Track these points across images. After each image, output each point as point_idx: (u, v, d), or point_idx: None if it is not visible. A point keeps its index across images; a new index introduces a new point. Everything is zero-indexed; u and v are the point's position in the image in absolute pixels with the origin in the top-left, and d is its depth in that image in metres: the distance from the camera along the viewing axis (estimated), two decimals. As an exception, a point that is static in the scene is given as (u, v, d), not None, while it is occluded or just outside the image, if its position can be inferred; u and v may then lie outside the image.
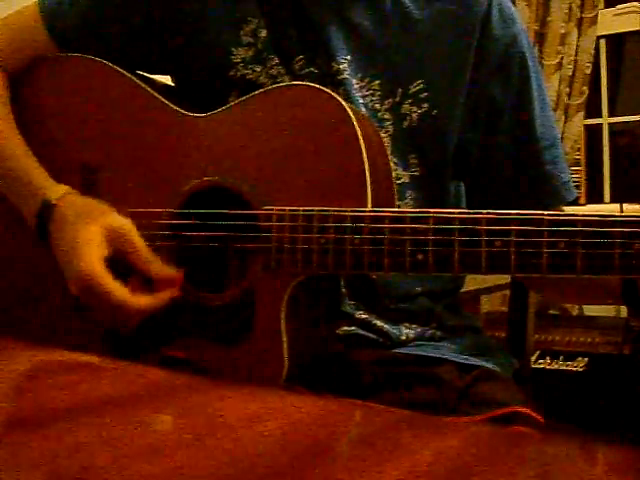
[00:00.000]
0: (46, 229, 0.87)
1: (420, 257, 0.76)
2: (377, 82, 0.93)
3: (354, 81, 0.93)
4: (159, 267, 0.84)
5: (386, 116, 0.93)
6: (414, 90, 0.93)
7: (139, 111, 0.92)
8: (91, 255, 0.81)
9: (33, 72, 0.98)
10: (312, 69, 0.93)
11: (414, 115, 0.93)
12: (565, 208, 0.96)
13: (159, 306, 0.83)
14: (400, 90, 0.93)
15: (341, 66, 0.92)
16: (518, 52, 0.95)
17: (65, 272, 0.84)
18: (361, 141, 0.80)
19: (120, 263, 0.83)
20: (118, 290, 0.81)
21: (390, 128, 0.93)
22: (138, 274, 0.84)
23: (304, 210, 0.80)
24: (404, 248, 0.76)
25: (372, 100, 0.93)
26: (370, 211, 0.78)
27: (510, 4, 0.98)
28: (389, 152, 0.92)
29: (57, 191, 0.88)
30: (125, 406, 0.47)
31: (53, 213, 0.86)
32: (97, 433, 0.41)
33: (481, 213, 0.75)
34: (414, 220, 0.76)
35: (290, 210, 0.80)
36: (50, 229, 0.87)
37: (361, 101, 0.92)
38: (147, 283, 0.84)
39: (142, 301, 0.82)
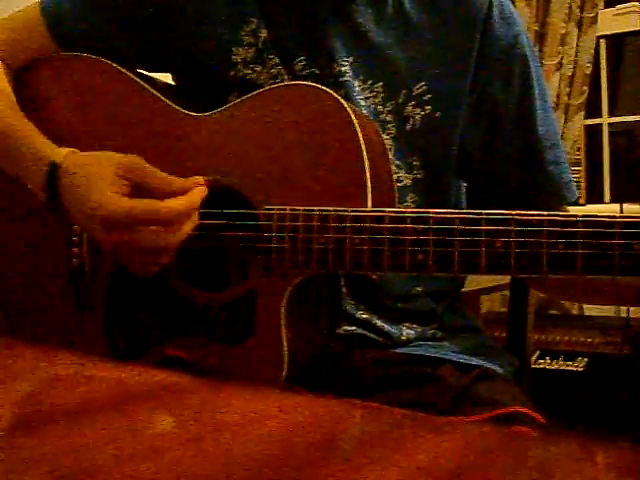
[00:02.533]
0: (56, 190, 0.86)
1: (420, 257, 0.76)
2: (380, 84, 0.93)
3: (356, 83, 0.93)
4: (180, 182, 0.82)
5: (388, 118, 0.93)
6: (417, 92, 0.93)
7: (140, 110, 0.92)
8: (111, 191, 0.80)
9: (34, 72, 0.98)
10: (313, 70, 0.93)
11: (417, 117, 0.93)
12: (566, 208, 0.96)
13: (191, 207, 0.80)
14: (403, 92, 0.93)
15: (343, 68, 0.92)
16: (519, 52, 0.95)
17: (85, 224, 0.83)
18: (362, 141, 0.80)
19: (140, 196, 0.81)
20: (145, 202, 0.79)
21: (393, 130, 0.93)
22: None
23: (304, 210, 0.80)
24: (404, 248, 0.76)
25: (374, 102, 0.93)
26: (370, 211, 0.78)
27: (510, 5, 0.98)
28: (391, 154, 0.92)
29: (61, 152, 0.87)
30: (125, 406, 0.47)
31: (62, 171, 0.85)
32: (97, 433, 0.41)
33: (481, 213, 0.75)
34: (414, 220, 0.76)
35: (290, 210, 0.80)
36: (61, 189, 0.85)
37: (363, 103, 0.92)
38: None
39: (173, 203, 0.79)
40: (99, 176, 0.82)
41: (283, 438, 0.41)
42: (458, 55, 0.94)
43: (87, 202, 0.82)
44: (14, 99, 0.95)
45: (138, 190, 0.81)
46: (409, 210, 0.80)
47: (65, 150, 0.87)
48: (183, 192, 0.81)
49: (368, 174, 0.79)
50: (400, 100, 0.93)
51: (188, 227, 0.80)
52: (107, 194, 0.80)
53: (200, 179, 0.83)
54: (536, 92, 0.96)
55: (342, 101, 0.82)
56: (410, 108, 0.93)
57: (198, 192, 0.82)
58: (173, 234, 0.80)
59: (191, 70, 0.97)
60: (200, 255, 0.87)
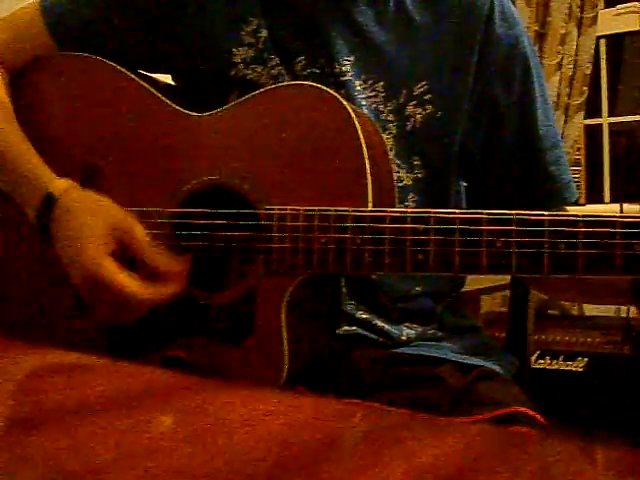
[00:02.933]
0: (48, 224, 0.86)
1: (421, 257, 0.76)
2: (381, 83, 0.93)
3: (357, 82, 0.93)
4: (165, 260, 0.84)
5: (390, 118, 0.93)
6: (418, 92, 0.93)
7: (140, 110, 0.92)
8: (96, 247, 0.81)
9: (34, 71, 0.98)
10: (313, 69, 0.93)
11: (418, 117, 0.93)
12: (567, 209, 0.96)
13: (165, 299, 0.83)
14: (404, 92, 0.93)
15: (344, 67, 0.92)
16: (521, 53, 0.96)
17: (68, 266, 0.84)
18: (362, 141, 0.80)
19: (124, 258, 0.83)
20: (126, 280, 0.81)
21: (394, 130, 0.93)
22: (143, 269, 0.83)
23: (305, 210, 0.80)
24: (405, 248, 0.76)
25: (376, 101, 0.93)
26: (371, 211, 0.78)
27: (512, 5, 0.98)
28: (392, 154, 0.92)
29: (60, 185, 0.87)
30: (125, 406, 0.47)
31: (56, 207, 0.85)
32: (97, 433, 0.41)
33: (482, 213, 0.75)
34: (415, 220, 0.76)
35: (291, 210, 0.80)
36: (52, 224, 0.86)
37: (364, 103, 0.92)
38: (150, 278, 0.83)
39: (149, 291, 0.82)
40: (92, 229, 0.83)
41: (283, 438, 0.41)
42: (459, 55, 0.94)
43: (74, 248, 0.83)
44: (12, 111, 0.95)
45: (123, 251, 0.83)
46: (410, 210, 0.80)
47: (65, 183, 0.87)
48: (163, 273, 0.83)
49: (369, 174, 0.79)
50: (401, 100, 0.93)
51: (145, 309, 0.83)
52: (95, 251, 0.81)
53: (184, 266, 0.84)
54: (537, 92, 0.96)
55: (342, 101, 0.82)
56: (411, 108, 0.93)
57: (173, 286, 0.83)
58: (135, 313, 0.83)
59: (191, 70, 0.97)
60: (200, 255, 0.87)
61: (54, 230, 0.86)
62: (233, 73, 0.93)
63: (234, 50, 0.93)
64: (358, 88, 0.92)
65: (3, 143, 0.92)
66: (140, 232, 0.84)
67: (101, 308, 0.84)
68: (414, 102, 0.93)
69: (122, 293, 0.80)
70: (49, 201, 0.86)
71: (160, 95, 0.91)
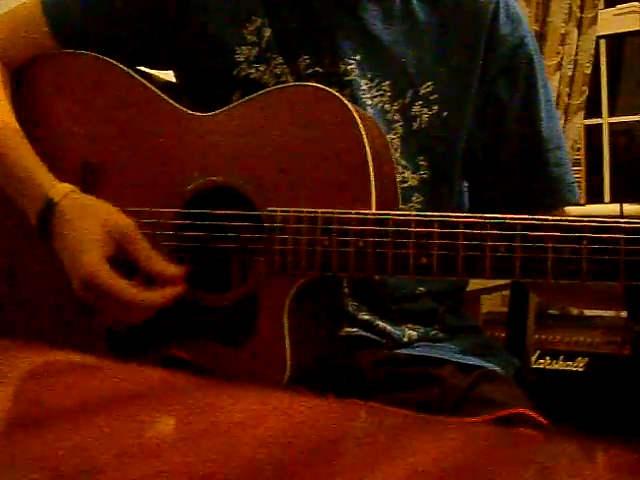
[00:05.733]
0: (48, 228, 0.86)
1: (424, 261, 0.76)
2: (387, 83, 0.93)
3: (363, 82, 0.92)
4: (163, 266, 0.84)
5: (396, 117, 0.93)
6: (424, 91, 0.93)
7: (142, 109, 0.92)
8: (96, 253, 0.81)
9: (34, 69, 0.98)
10: (318, 69, 0.92)
11: (424, 117, 0.93)
12: (567, 209, 0.96)
13: (164, 303, 0.83)
14: (410, 91, 0.93)
15: (349, 67, 0.92)
16: (525, 53, 0.96)
17: (68, 271, 0.84)
18: (365, 142, 0.80)
19: (123, 263, 0.83)
20: (124, 286, 0.81)
21: (400, 130, 0.93)
22: (142, 274, 0.83)
23: (308, 212, 0.80)
24: (408, 251, 0.76)
25: (382, 101, 0.93)
26: (374, 214, 0.78)
27: (517, 5, 0.98)
28: (398, 154, 0.92)
29: (60, 190, 0.87)
30: (125, 406, 0.47)
31: (56, 212, 0.85)
32: (97, 433, 0.41)
33: (486, 217, 0.75)
34: (419, 223, 0.76)
35: (294, 211, 0.80)
36: (53, 228, 0.86)
37: (370, 102, 0.92)
38: (150, 283, 0.83)
39: (148, 297, 0.82)
40: (91, 234, 0.83)
41: (285, 439, 0.41)
42: (464, 55, 0.94)
43: (72, 253, 0.83)
44: (12, 110, 0.95)
45: (122, 256, 0.83)
46: (413, 213, 0.80)
47: (65, 188, 0.87)
48: (161, 278, 0.83)
49: (372, 175, 0.79)
50: (407, 99, 0.93)
51: (145, 314, 0.83)
52: (93, 255, 0.81)
53: (183, 272, 0.83)
54: (541, 93, 0.96)
55: (346, 102, 0.81)
56: (417, 108, 0.93)
57: (172, 292, 0.83)
58: (133, 318, 0.83)
59: (194, 69, 0.97)
60: (203, 256, 0.87)
61: (54, 235, 0.86)
62: (236, 72, 0.93)
63: (237, 49, 0.93)
64: (364, 87, 0.92)
65: (3, 144, 0.91)
66: (139, 237, 0.84)
67: (101, 312, 0.84)
68: (420, 102, 0.93)
69: (120, 298, 0.80)
70: (50, 206, 0.86)
71: (162, 94, 0.91)
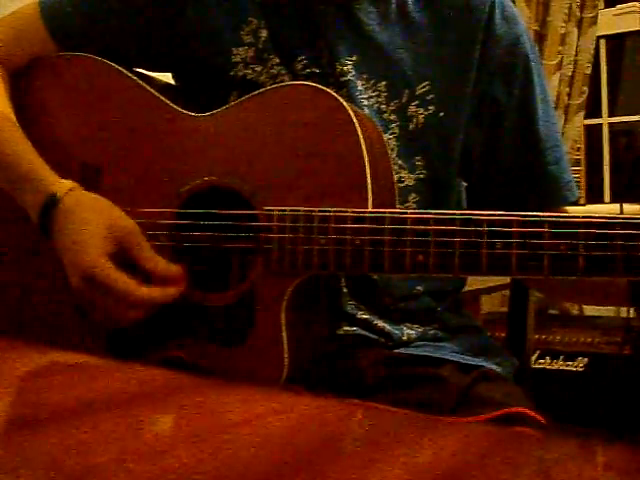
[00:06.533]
0: (49, 223, 0.86)
1: (420, 258, 0.76)
2: (383, 83, 0.93)
3: (359, 82, 0.92)
4: (163, 265, 0.84)
5: (392, 117, 0.93)
6: (420, 92, 0.93)
7: (140, 111, 0.92)
8: (96, 248, 0.81)
9: (33, 71, 0.98)
10: (314, 69, 0.93)
11: (420, 117, 0.93)
12: (567, 208, 0.96)
13: (164, 300, 0.82)
14: (407, 91, 0.93)
15: (345, 67, 0.92)
16: (521, 52, 0.96)
17: (67, 266, 0.84)
18: (362, 141, 0.80)
19: (123, 261, 0.83)
20: (125, 279, 0.80)
21: (396, 130, 0.93)
22: (141, 273, 0.83)
23: (305, 210, 0.80)
24: (405, 249, 0.76)
25: (378, 101, 0.93)
26: (371, 212, 0.78)
27: (512, 5, 0.98)
28: (395, 154, 0.92)
29: (63, 186, 0.86)
30: (125, 406, 0.47)
31: (58, 208, 0.85)
32: (97, 433, 0.41)
33: (482, 214, 0.75)
34: (415, 221, 0.76)
35: (291, 210, 0.80)
36: (54, 224, 0.85)
37: (366, 102, 0.92)
38: (149, 282, 0.83)
39: (148, 292, 0.81)
40: (93, 230, 0.82)
41: (284, 438, 0.41)
42: (461, 55, 0.94)
43: (73, 249, 0.83)
44: (12, 112, 0.95)
45: (123, 254, 0.83)
46: (409, 211, 0.80)
47: (68, 184, 0.87)
48: (162, 277, 0.83)
49: (369, 174, 0.79)
50: (403, 100, 0.93)
51: (143, 311, 0.83)
52: (94, 250, 0.81)
53: (182, 272, 0.83)
54: (537, 92, 0.96)
55: (342, 101, 0.81)
56: (413, 108, 0.93)
57: (171, 290, 0.83)
58: (133, 314, 0.83)
59: (191, 70, 0.97)
60: (200, 256, 0.87)
61: (55, 230, 0.85)
62: (233, 73, 0.93)
63: (234, 50, 0.93)
64: (360, 88, 0.92)
65: (4, 143, 0.91)
66: (139, 235, 0.84)
67: (99, 310, 0.84)
68: (416, 102, 0.93)
69: (120, 294, 0.80)
70: (52, 202, 0.86)
71: (160, 95, 0.91)
